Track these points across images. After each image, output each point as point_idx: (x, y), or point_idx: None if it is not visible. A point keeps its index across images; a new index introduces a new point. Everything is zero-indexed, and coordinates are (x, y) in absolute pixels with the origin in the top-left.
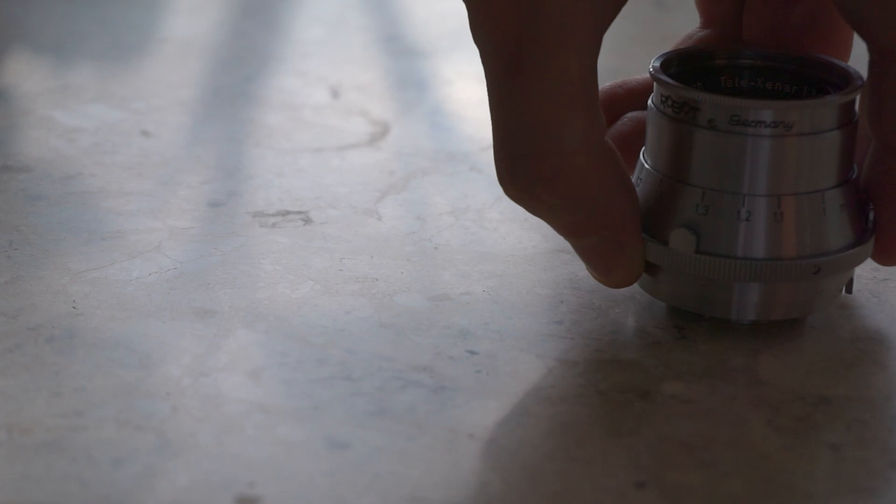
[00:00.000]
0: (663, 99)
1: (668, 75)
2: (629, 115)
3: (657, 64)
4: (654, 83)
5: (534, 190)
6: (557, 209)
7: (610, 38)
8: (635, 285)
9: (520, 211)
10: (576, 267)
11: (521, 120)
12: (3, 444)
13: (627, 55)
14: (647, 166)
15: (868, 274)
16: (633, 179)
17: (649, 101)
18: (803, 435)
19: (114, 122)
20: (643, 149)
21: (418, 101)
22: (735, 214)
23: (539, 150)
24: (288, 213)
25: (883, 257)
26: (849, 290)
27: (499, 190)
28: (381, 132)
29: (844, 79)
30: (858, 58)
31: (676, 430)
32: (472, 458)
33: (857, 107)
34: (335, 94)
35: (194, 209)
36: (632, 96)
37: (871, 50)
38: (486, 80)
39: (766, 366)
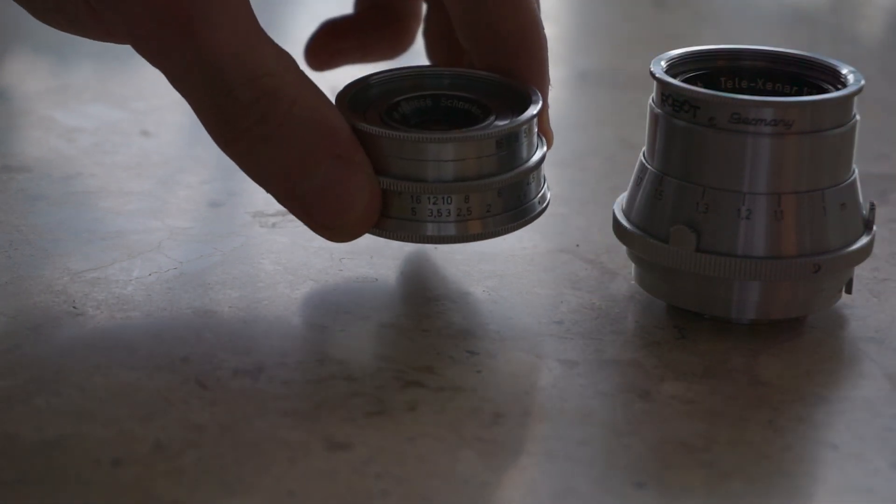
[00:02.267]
0: (664, 98)
1: (669, 76)
2: None
3: (658, 64)
4: (655, 82)
5: (255, 116)
6: (284, 136)
7: (610, 38)
8: (635, 285)
9: None
10: (576, 267)
11: (222, 59)
12: (3, 445)
13: (627, 55)
14: (647, 165)
15: (868, 274)
16: (633, 178)
17: (650, 101)
18: (803, 435)
19: (114, 122)
20: (643, 148)
21: None
22: (735, 213)
23: (250, 75)
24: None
25: None
26: (848, 290)
27: None
28: None
29: (842, 80)
30: (854, 58)
31: (676, 430)
32: (471, 458)
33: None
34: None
35: (194, 209)
36: None
37: None
38: (155, 49)
39: (766, 366)
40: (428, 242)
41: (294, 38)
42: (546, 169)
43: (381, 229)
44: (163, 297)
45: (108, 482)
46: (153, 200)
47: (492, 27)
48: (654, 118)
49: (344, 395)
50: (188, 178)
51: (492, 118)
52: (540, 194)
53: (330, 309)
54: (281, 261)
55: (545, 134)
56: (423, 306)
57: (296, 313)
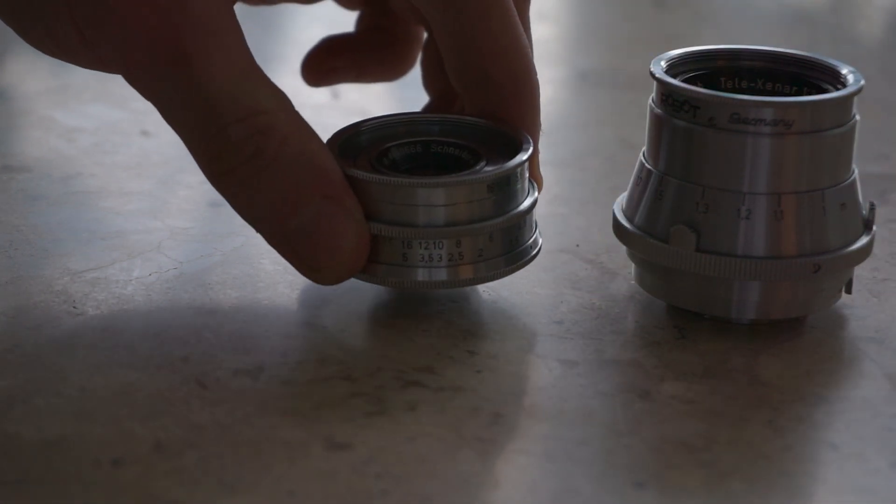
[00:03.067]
0: (663, 98)
1: (669, 76)
2: None
3: (658, 64)
4: (655, 82)
5: (246, 153)
6: (275, 174)
7: (610, 38)
8: (635, 285)
9: None
10: (576, 267)
11: (216, 95)
12: (3, 445)
13: (627, 55)
14: (647, 165)
15: (868, 274)
16: (633, 178)
17: (650, 101)
18: (803, 435)
19: (114, 121)
20: (643, 148)
21: (418, 101)
22: (735, 213)
23: (243, 112)
24: None
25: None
26: (848, 290)
27: None
28: None
29: (842, 80)
30: (854, 58)
31: (676, 430)
32: (471, 458)
33: (855, 108)
34: (335, 94)
35: (194, 209)
36: None
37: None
38: (147, 81)
39: (766, 366)
40: (419, 289)
41: (294, 39)
42: (546, 169)
43: (371, 275)
44: (163, 297)
45: (108, 482)
46: (153, 200)
47: (485, 72)
48: (654, 118)
49: (344, 395)
50: (188, 178)
51: (482, 163)
52: (532, 239)
53: (330, 309)
54: (281, 261)
55: (536, 179)
56: (423, 306)
57: (296, 313)
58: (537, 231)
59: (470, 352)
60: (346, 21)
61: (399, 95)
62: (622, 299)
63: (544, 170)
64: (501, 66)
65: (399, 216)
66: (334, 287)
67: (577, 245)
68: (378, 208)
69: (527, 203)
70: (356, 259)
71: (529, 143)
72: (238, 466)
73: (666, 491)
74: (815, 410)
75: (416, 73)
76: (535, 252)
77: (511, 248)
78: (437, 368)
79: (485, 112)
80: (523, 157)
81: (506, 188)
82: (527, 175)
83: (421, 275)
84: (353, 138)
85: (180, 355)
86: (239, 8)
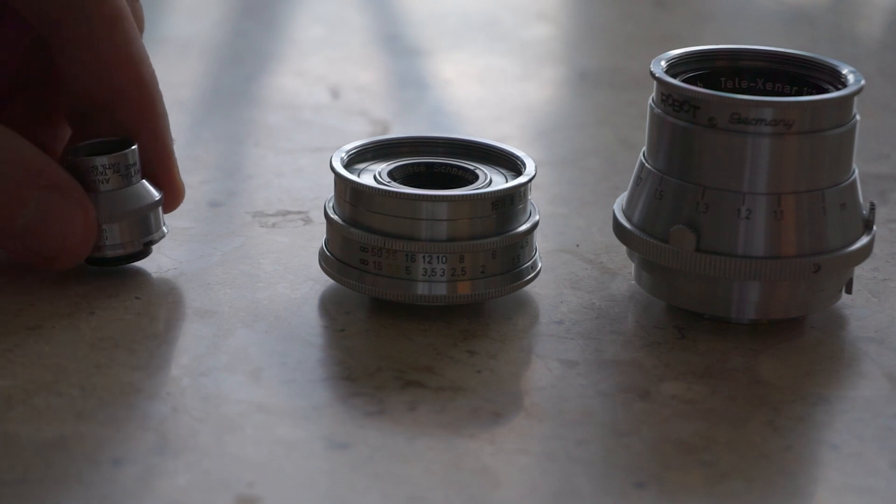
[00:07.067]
0: (664, 98)
1: (669, 76)
2: None
3: (658, 64)
4: (655, 82)
5: None
6: None
7: (610, 38)
8: (635, 285)
9: None
10: (576, 267)
11: None
12: (3, 445)
13: (627, 55)
14: (647, 165)
15: (868, 274)
16: (633, 178)
17: (650, 101)
18: (803, 435)
19: None
20: (643, 148)
21: (418, 101)
22: (735, 213)
23: None
24: (288, 213)
25: None
26: (848, 290)
27: None
28: (381, 132)
29: (842, 80)
30: (854, 58)
31: (676, 430)
32: (471, 458)
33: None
34: (335, 94)
35: (194, 209)
36: None
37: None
38: None
39: (766, 366)
40: (420, 302)
41: (294, 38)
42: (546, 169)
43: (374, 287)
44: (163, 297)
45: (108, 482)
46: None
47: (112, 82)
48: (654, 118)
49: (344, 395)
50: (188, 178)
51: (486, 182)
52: (531, 261)
53: (330, 309)
54: (281, 261)
55: (176, 185)
56: (423, 306)
57: (296, 313)
58: (537, 254)
59: (470, 352)
60: (347, 20)
61: (399, 96)
62: (622, 299)
63: (544, 170)
64: (130, 74)
65: (403, 229)
66: (334, 288)
67: (577, 245)
68: (383, 221)
69: (529, 223)
70: (87, 239)
71: (531, 164)
72: (238, 466)
73: (666, 491)
74: (815, 410)
75: (425, 71)
76: (535, 273)
77: (513, 267)
78: (437, 368)
79: (116, 122)
80: (528, 176)
81: (510, 206)
82: (529, 196)
83: (422, 289)
84: (358, 156)
85: (180, 355)
86: (239, 8)
